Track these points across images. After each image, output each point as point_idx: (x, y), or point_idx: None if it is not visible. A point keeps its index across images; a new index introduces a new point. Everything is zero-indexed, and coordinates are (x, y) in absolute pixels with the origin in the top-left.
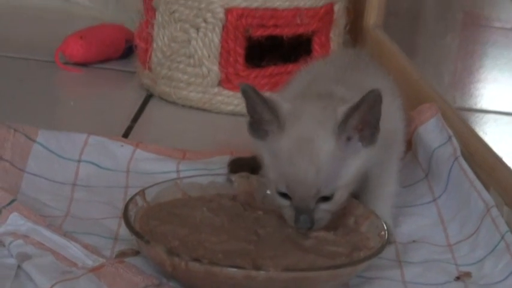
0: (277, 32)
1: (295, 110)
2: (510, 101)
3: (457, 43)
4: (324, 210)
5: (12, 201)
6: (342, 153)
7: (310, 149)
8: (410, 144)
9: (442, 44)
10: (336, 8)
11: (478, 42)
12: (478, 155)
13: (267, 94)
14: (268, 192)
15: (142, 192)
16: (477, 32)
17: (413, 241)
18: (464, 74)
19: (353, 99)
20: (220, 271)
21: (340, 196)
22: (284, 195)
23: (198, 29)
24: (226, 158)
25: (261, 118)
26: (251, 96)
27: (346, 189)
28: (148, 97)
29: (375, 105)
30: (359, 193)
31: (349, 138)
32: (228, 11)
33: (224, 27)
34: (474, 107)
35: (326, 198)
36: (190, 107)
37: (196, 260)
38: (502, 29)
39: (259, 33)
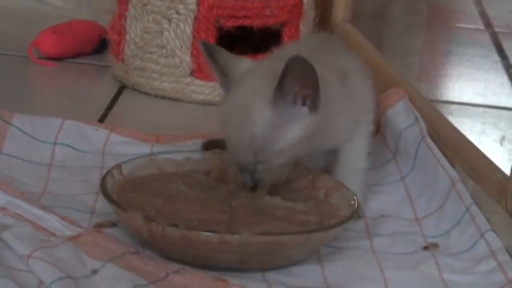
0: (247, 23)
1: (241, 77)
2: (473, 93)
3: (422, 40)
4: (263, 171)
5: None
6: (280, 119)
7: (244, 116)
8: (379, 128)
9: (408, 40)
10: (305, 0)
11: (443, 41)
12: (443, 133)
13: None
14: None
15: (118, 166)
16: (442, 31)
17: (382, 216)
18: (430, 68)
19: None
20: (196, 235)
21: (276, 159)
22: None
23: (170, 20)
24: (199, 142)
25: None
26: (204, 54)
27: (284, 154)
28: (122, 88)
29: (303, 68)
30: (330, 168)
31: (294, 102)
32: (199, 2)
33: (196, 18)
34: (440, 98)
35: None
36: (163, 97)
37: (173, 225)
38: (465, 29)
39: (230, 24)
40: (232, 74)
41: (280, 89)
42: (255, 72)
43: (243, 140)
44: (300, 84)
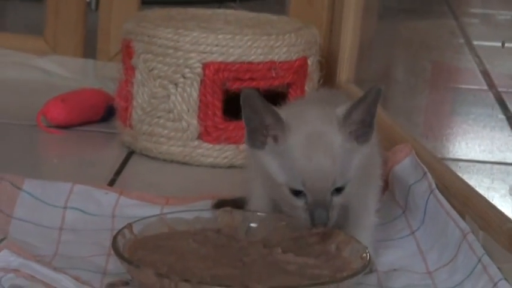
0: (253, 84)
1: (295, 114)
2: (479, 151)
3: (426, 100)
4: (337, 206)
5: (2, 239)
6: (348, 147)
7: (323, 141)
8: (387, 184)
9: (412, 100)
10: (310, 61)
11: (447, 101)
12: (452, 187)
13: None
14: (251, 224)
15: (129, 226)
16: (446, 91)
17: (394, 269)
18: (435, 127)
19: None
20: None
21: (350, 189)
22: (298, 195)
23: (176, 85)
24: (208, 203)
25: (259, 125)
26: (255, 100)
27: (354, 184)
28: (130, 154)
29: (376, 102)
30: (340, 225)
31: (356, 131)
32: (205, 66)
33: (202, 82)
34: (447, 156)
35: (338, 191)
36: (171, 161)
37: (186, 280)
38: (469, 89)
39: (236, 86)
40: (285, 113)
41: (348, 118)
42: (308, 108)
43: (326, 163)
44: (359, 123)
